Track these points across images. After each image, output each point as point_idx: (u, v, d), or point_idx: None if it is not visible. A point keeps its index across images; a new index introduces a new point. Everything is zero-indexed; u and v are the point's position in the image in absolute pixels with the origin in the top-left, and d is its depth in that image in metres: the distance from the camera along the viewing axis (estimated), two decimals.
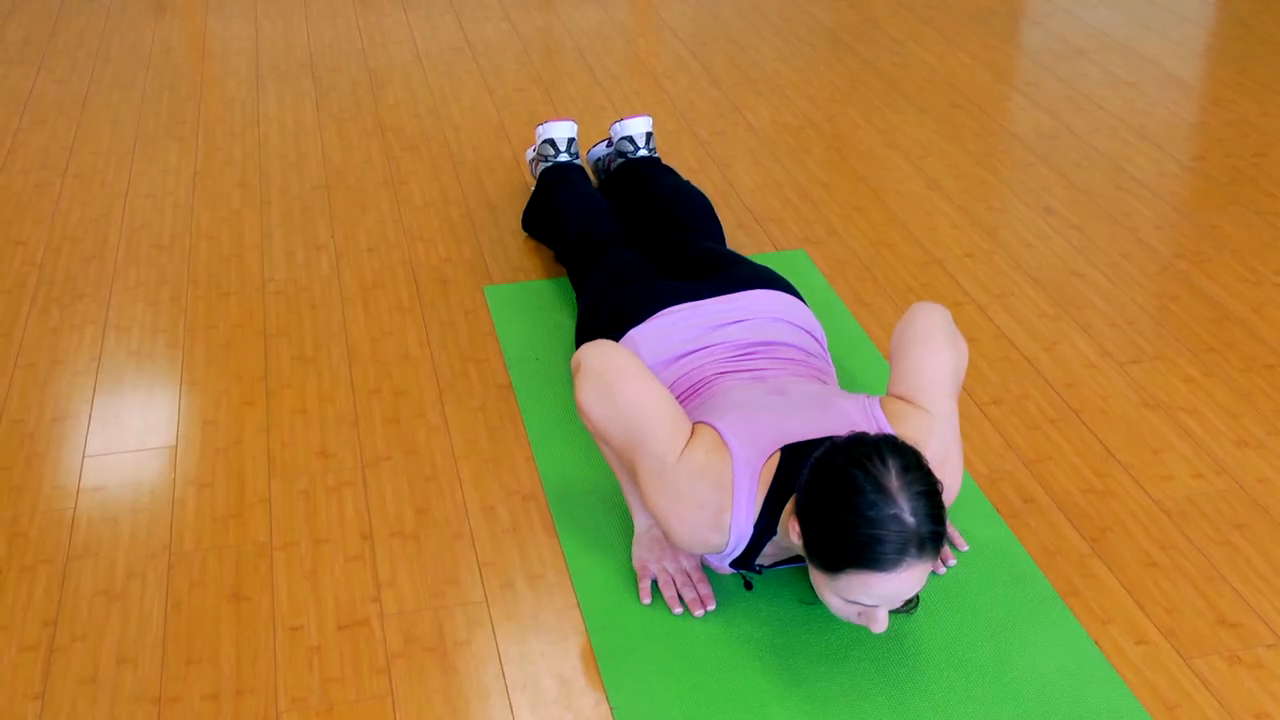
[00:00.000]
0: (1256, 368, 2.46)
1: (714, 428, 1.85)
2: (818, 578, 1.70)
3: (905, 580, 1.64)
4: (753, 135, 3.45)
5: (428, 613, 1.93)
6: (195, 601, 1.96)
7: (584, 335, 2.36)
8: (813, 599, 1.89)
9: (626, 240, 2.64)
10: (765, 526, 1.80)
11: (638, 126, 2.97)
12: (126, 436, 2.32)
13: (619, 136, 2.97)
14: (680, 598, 1.92)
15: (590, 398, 1.89)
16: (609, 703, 1.78)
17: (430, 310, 2.68)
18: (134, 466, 2.25)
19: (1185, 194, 3.13)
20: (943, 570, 1.97)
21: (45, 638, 1.90)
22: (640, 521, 2.00)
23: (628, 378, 1.88)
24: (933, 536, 1.63)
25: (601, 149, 3.09)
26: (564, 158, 2.94)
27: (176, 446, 2.29)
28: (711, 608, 1.91)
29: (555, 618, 1.92)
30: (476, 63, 3.99)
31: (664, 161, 3.10)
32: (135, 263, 2.88)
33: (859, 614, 1.71)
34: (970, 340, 2.55)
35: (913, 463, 1.66)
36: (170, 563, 2.03)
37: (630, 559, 2.00)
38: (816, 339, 2.23)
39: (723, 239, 2.69)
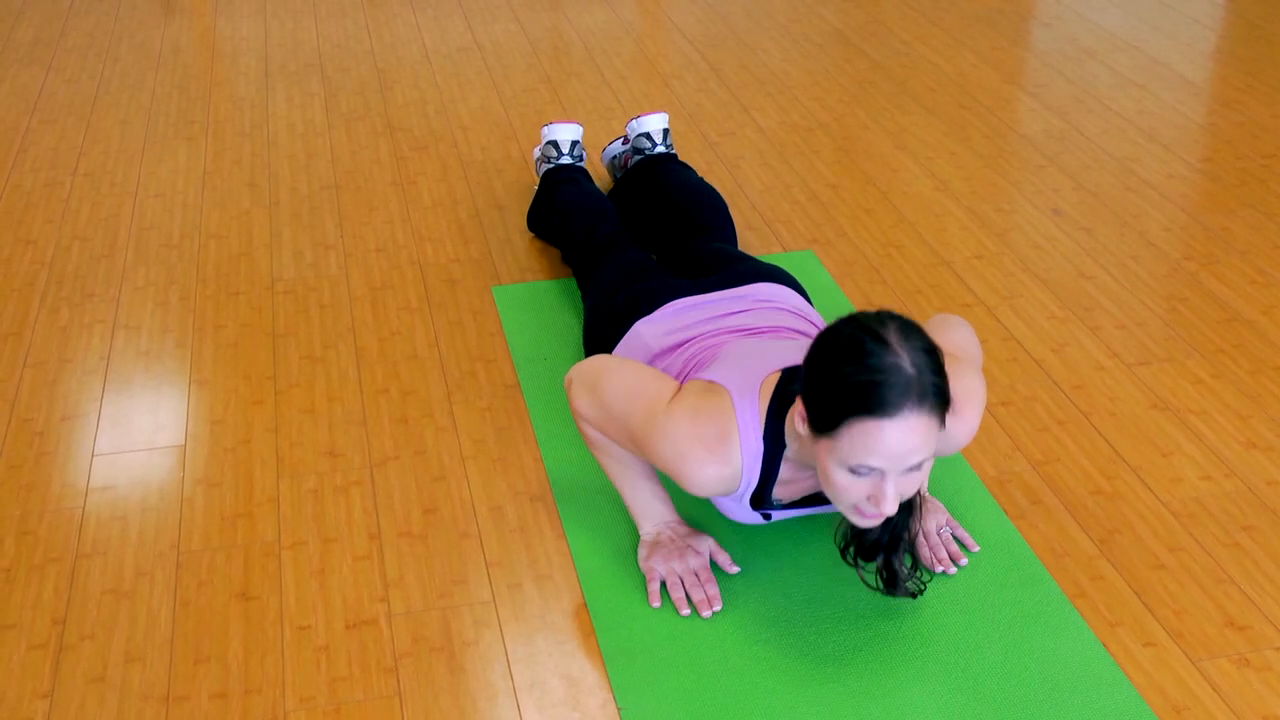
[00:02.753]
0: (1266, 370, 2.45)
1: (703, 378, 1.88)
2: (823, 456, 1.67)
3: (907, 432, 1.60)
4: (761, 136, 3.45)
5: (435, 613, 1.93)
6: (203, 600, 1.96)
7: (591, 334, 2.36)
8: (842, 540, 1.85)
9: (631, 240, 2.64)
10: (774, 437, 1.78)
11: (654, 123, 2.97)
12: (135, 435, 2.33)
13: (635, 134, 2.98)
14: (688, 599, 1.92)
15: (581, 402, 1.94)
16: (616, 703, 1.78)
17: (438, 310, 2.68)
18: (143, 465, 2.25)
19: (1194, 196, 3.12)
20: (954, 570, 1.97)
21: (54, 636, 1.90)
22: (646, 528, 2.00)
23: (610, 370, 1.94)
24: (935, 390, 1.62)
25: (617, 146, 3.09)
26: (566, 160, 2.94)
27: (185, 446, 2.30)
28: (718, 608, 1.91)
29: (563, 618, 1.92)
30: (485, 63, 3.99)
31: None
32: (144, 262, 2.89)
33: (868, 496, 1.66)
34: (979, 341, 2.54)
35: (915, 329, 1.65)
36: (179, 561, 2.03)
37: (638, 560, 2.00)
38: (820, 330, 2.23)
39: (735, 239, 2.69)
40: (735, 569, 1.98)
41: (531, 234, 2.95)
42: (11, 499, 2.18)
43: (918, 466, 1.65)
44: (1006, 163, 3.30)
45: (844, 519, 1.81)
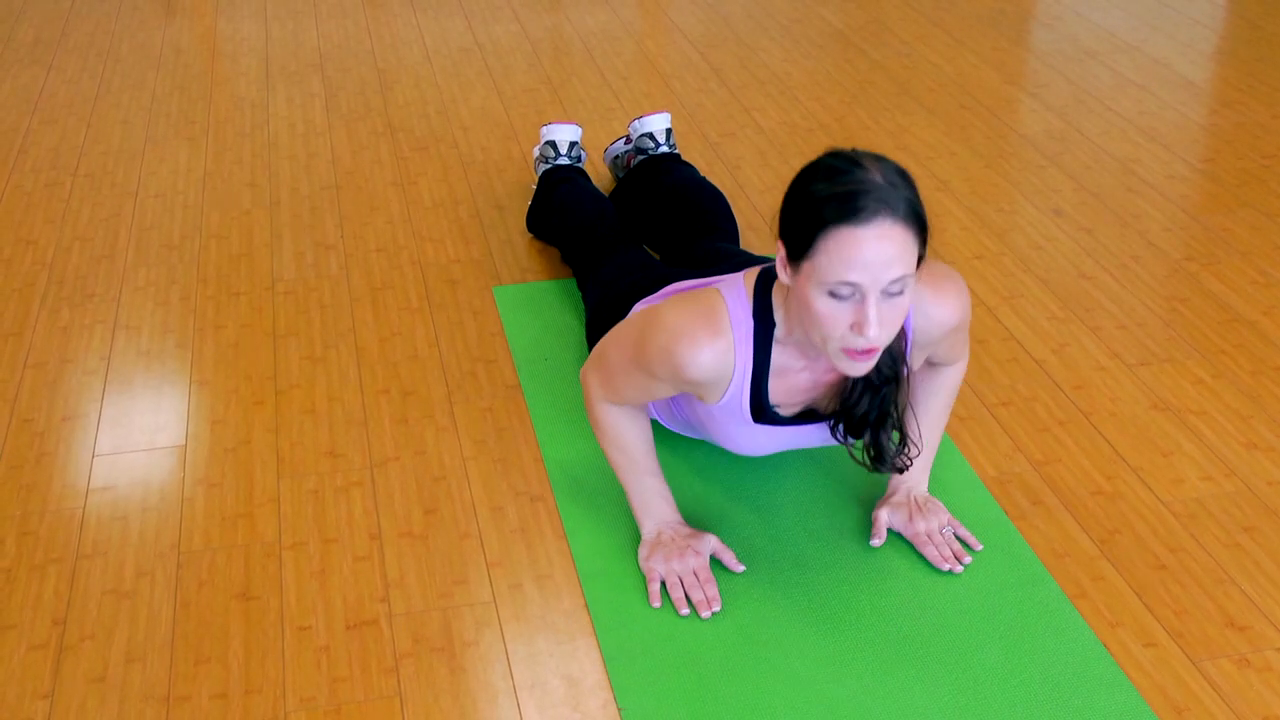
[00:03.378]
0: (1266, 370, 2.45)
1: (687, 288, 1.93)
2: (804, 288, 1.67)
3: (883, 239, 1.61)
4: (762, 136, 3.45)
5: (436, 613, 1.93)
6: (204, 601, 1.96)
7: (593, 331, 2.37)
8: (833, 417, 1.88)
9: (630, 239, 2.64)
10: (762, 315, 1.80)
11: (657, 123, 2.98)
12: (136, 436, 2.33)
13: (639, 134, 2.98)
14: (688, 599, 1.92)
15: (592, 380, 1.98)
16: (617, 703, 1.78)
17: (439, 311, 2.68)
18: (143, 466, 2.25)
19: (1195, 196, 3.12)
20: (959, 569, 1.97)
21: (54, 636, 1.90)
22: (647, 527, 2.00)
23: (608, 337, 1.98)
24: (908, 204, 1.64)
25: (620, 146, 3.10)
26: (564, 161, 2.95)
27: (186, 446, 2.30)
28: (717, 609, 1.91)
29: (563, 618, 1.92)
30: (486, 63, 3.99)
31: None
32: (145, 262, 2.89)
33: (851, 325, 1.65)
34: (979, 342, 2.54)
35: (889, 160, 1.69)
36: (179, 562, 2.03)
37: (638, 560, 2.00)
38: None
39: (737, 238, 2.69)
40: (740, 568, 1.98)
41: (532, 235, 2.95)
42: (12, 499, 2.18)
43: (899, 290, 1.65)
44: (1007, 163, 3.30)
45: (838, 396, 1.85)
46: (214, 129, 3.56)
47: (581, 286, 2.58)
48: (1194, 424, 2.31)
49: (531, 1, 4.55)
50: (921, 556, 2.00)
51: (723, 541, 2.01)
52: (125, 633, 1.91)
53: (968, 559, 1.99)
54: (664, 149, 2.95)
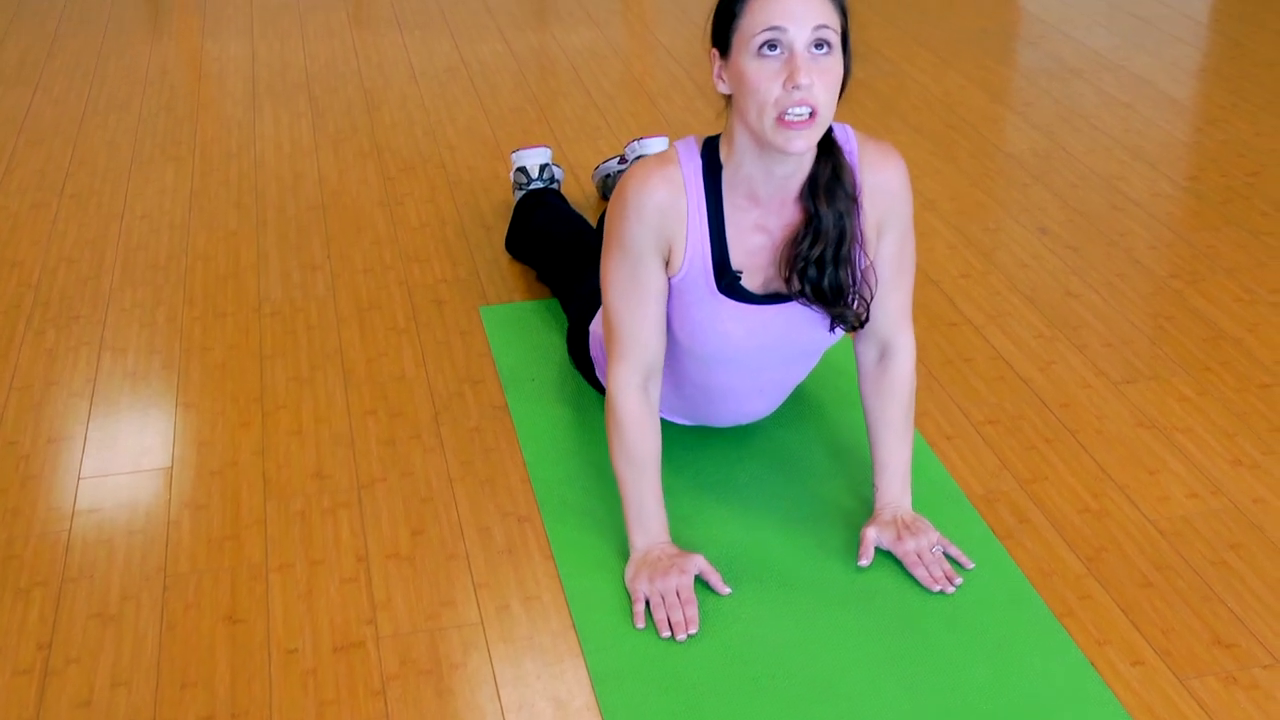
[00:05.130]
0: (1251, 387, 2.46)
1: None
2: (737, 62, 1.79)
3: None
4: None
5: (423, 635, 1.92)
6: (190, 624, 1.95)
7: (574, 345, 2.38)
8: (786, 269, 1.94)
9: None
10: (710, 156, 1.92)
11: (655, 147, 3.03)
12: (122, 458, 2.32)
13: (635, 155, 3.03)
14: (670, 621, 1.92)
15: (610, 363, 2.01)
16: None
17: (426, 331, 2.68)
18: (129, 488, 2.24)
19: (1180, 214, 3.13)
20: (951, 589, 1.97)
21: (39, 661, 1.89)
22: (638, 543, 2.00)
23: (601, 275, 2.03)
24: None
25: (613, 165, 3.11)
26: (537, 184, 3.00)
27: (172, 468, 2.29)
28: (694, 631, 1.90)
29: (551, 639, 1.91)
30: (472, 83, 4.00)
31: None
32: (131, 284, 2.88)
33: (785, 79, 1.75)
34: (966, 360, 2.55)
35: None
36: (165, 585, 2.03)
37: (625, 579, 2.00)
38: None
39: None
40: (726, 590, 1.97)
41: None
42: None
43: (825, 48, 1.77)
44: (993, 181, 3.31)
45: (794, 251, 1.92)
46: (200, 150, 3.56)
47: (564, 302, 2.59)
48: (1180, 441, 2.31)
49: (517, 21, 4.56)
50: (909, 575, 2.00)
51: (710, 562, 2.01)
52: (111, 657, 1.90)
53: (959, 580, 1.98)
54: None
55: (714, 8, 1.85)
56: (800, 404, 2.39)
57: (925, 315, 2.70)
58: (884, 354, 2.07)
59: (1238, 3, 4.71)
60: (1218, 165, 3.38)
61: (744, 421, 2.27)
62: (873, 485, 2.10)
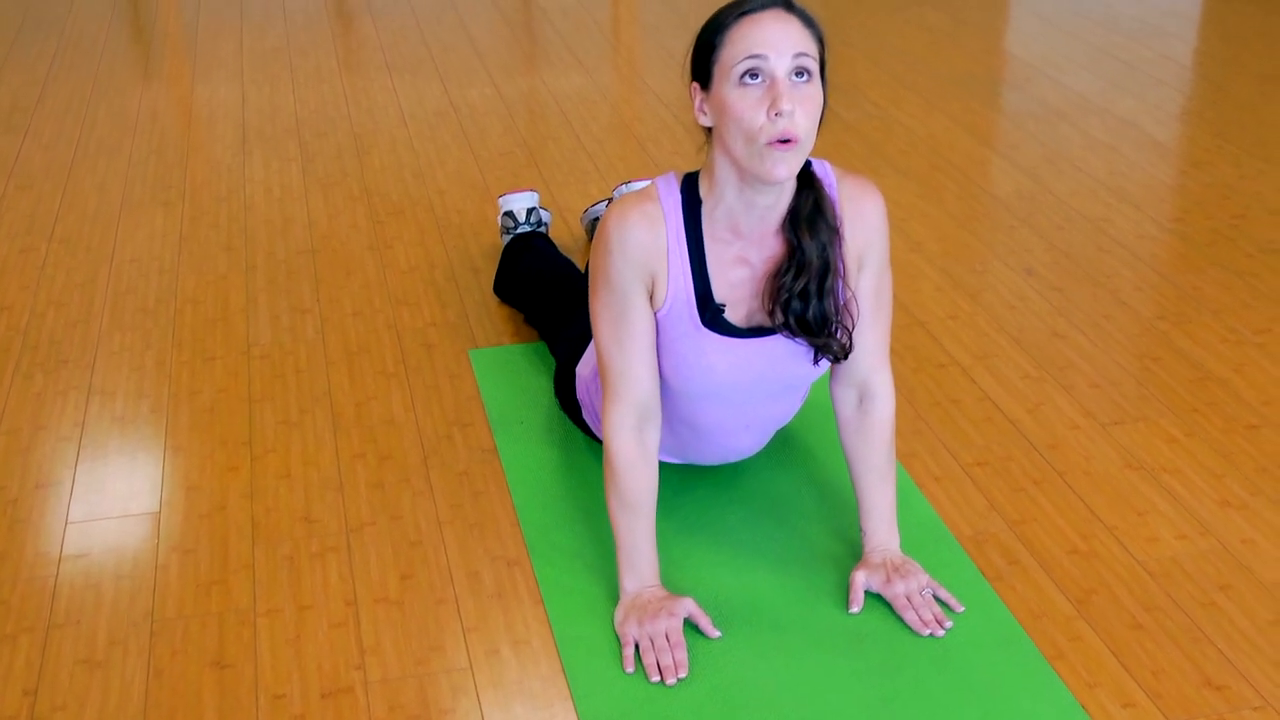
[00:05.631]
0: (1238, 428, 2.47)
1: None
2: (719, 94, 1.81)
3: (777, 20, 1.79)
4: None
5: (412, 680, 1.92)
6: (177, 670, 1.94)
7: (562, 387, 2.38)
8: (769, 302, 1.96)
9: None
10: (689, 192, 1.93)
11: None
12: (110, 503, 2.31)
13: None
14: (660, 665, 1.91)
15: (605, 404, 2.01)
16: None
17: (415, 374, 2.68)
18: (117, 533, 2.24)
19: (1165, 255, 3.15)
20: (941, 632, 1.96)
21: (25, 707, 1.88)
22: (628, 585, 2.00)
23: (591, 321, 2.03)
24: (799, 7, 1.82)
25: (602, 208, 3.13)
26: (525, 228, 3.02)
27: (160, 512, 2.28)
28: (683, 675, 1.89)
29: (541, 684, 1.91)
30: (461, 127, 4.02)
31: None
32: (120, 327, 2.88)
33: (768, 107, 1.76)
34: (953, 402, 2.56)
35: None
36: (153, 630, 2.02)
37: (614, 622, 1.99)
38: None
39: None
40: (716, 634, 1.97)
41: None
42: None
43: (805, 76, 1.79)
44: (979, 223, 3.33)
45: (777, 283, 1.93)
46: (190, 194, 3.56)
47: (551, 347, 2.60)
48: (1168, 482, 2.32)
49: (506, 65, 4.59)
50: (900, 618, 1.99)
51: (699, 605, 2.01)
52: (97, 703, 1.88)
53: (949, 623, 1.98)
54: None
55: (693, 42, 1.88)
56: (788, 446, 2.40)
57: (913, 356, 2.71)
58: (863, 397, 2.07)
59: (1220, 47, 4.75)
60: (1202, 207, 3.40)
61: (731, 459, 2.27)
62: (860, 529, 2.11)
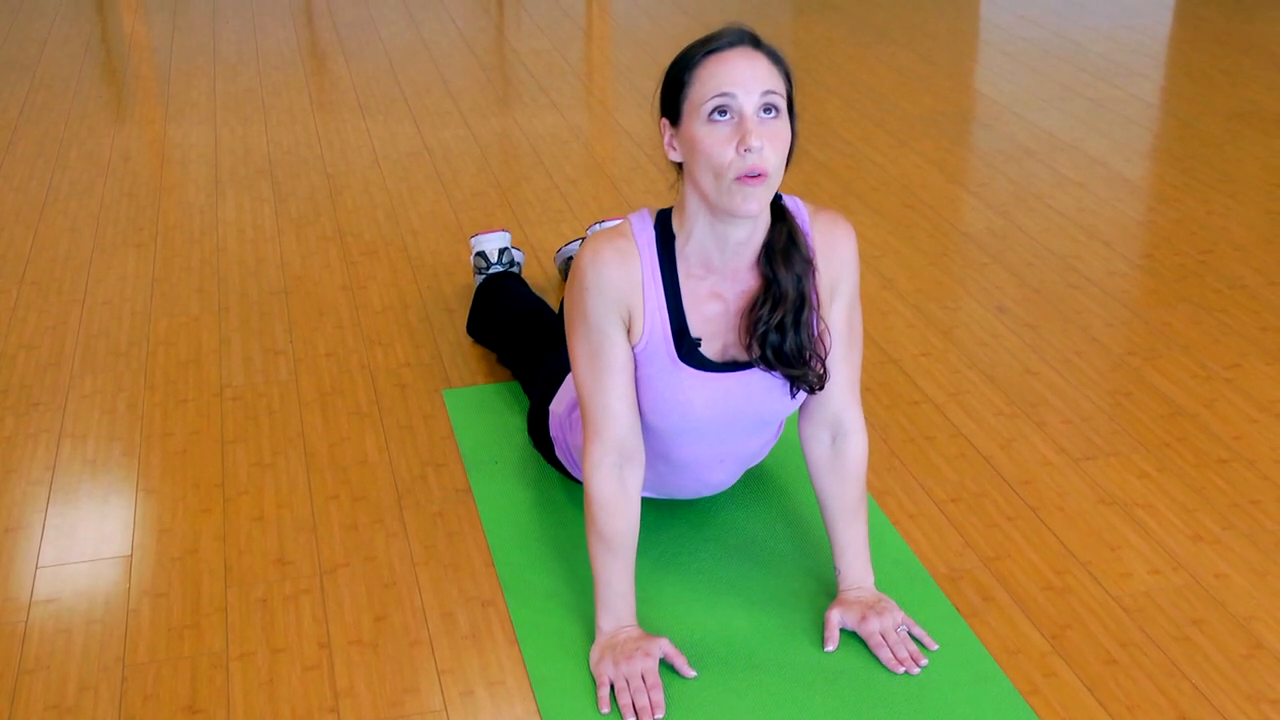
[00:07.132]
0: (1209, 463, 2.48)
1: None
2: (688, 131, 1.84)
3: (745, 57, 1.82)
4: None
5: None
6: (149, 715, 1.92)
7: (536, 425, 2.38)
8: (747, 336, 1.97)
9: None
10: (663, 228, 1.95)
11: None
12: (81, 546, 2.29)
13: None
14: (635, 706, 1.91)
15: (586, 442, 2.00)
16: None
17: (389, 415, 2.67)
18: (88, 577, 2.22)
19: (1135, 292, 3.18)
20: (916, 670, 1.96)
21: None
22: (605, 625, 1.99)
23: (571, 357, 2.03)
24: (765, 44, 1.86)
25: (575, 247, 3.13)
26: (497, 268, 3.03)
27: (132, 556, 2.27)
28: (660, 715, 1.89)
29: None
30: (435, 167, 4.03)
31: None
32: (92, 370, 2.87)
33: (737, 143, 1.79)
34: (927, 439, 2.57)
35: None
36: (124, 675, 2.00)
37: (589, 662, 1.99)
38: None
39: None
40: (692, 673, 1.96)
41: None
42: None
43: (773, 112, 1.82)
44: (951, 261, 3.35)
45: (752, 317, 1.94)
46: (163, 235, 3.56)
47: (524, 386, 2.59)
48: (1140, 517, 2.33)
49: (480, 106, 4.61)
50: (875, 656, 1.99)
51: (675, 646, 2.00)
52: None
53: (924, 660, 1.98)
54: None
55: (662, 79, 1.90)
56: (762, 484, 2.40)
57: (886, 393, 2.72)
58: (836, 435, 2.08)
59: (1187, 85, 4.81)
60: (1171, 243, 3.43)
61: (706, 493, 2.27)
62: (834, 567, 2.11)
